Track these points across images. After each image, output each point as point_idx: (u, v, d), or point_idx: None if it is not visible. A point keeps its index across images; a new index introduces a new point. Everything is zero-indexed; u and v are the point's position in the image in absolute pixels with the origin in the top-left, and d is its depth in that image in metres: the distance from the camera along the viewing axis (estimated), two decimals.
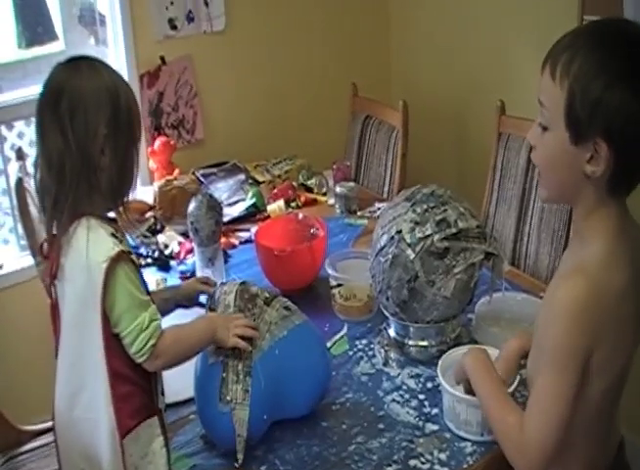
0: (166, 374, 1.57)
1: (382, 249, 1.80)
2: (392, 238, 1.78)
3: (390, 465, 1.57)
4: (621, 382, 1.38)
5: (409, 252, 1.75)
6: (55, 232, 1.46)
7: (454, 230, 1.74)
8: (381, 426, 1.68)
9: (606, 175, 1.25)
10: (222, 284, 1.73)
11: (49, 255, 1.47)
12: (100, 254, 1.40)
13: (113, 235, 1.45)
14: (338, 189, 2.73)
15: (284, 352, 1.63)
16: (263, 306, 1.65)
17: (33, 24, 3.03)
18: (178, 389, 1.68)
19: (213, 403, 1.56)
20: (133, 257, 1.46)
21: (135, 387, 1.48)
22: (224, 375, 1.57)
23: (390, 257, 1.78)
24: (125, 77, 2.77)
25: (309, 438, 1.65)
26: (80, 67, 1.47)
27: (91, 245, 1.41)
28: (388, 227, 1.80)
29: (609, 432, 1.43)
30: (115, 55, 2.87)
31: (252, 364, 1.58)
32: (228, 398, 1.56)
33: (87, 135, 1.42)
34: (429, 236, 1.74)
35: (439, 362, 1.70)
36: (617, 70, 1.21)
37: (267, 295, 1.68)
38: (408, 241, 1.75)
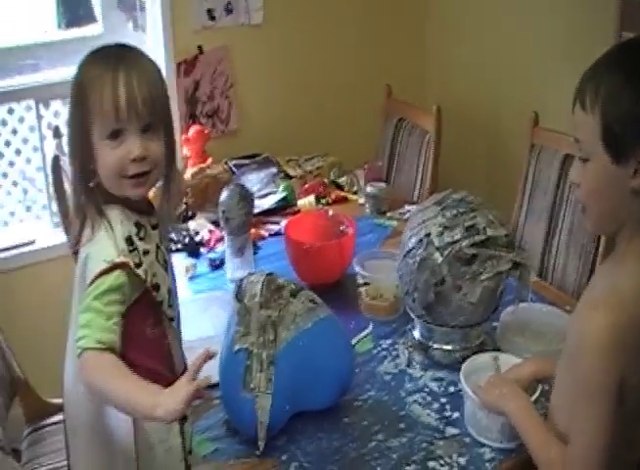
0: (190, 359, 1.58)
1: (410, 251, 1.81)
2: (421, 241, 1.79)
3: (409, 465, 1.58)
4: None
5: (437, 255, 1.76)
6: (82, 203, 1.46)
7: (483, 237, 1.74)
8: (401, 426, 1.69)
9: None
10: (250, 274, 1.74)
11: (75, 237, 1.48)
12: (106, 253, 1.38)
13: (128, 239, 1.42)
14: (368, 189, 2.74)
15: (308, 344, 1.64)
16: (289, 298, 1.66)
17: (74, 6, 3.05)
18: (203, 373, 1.69)
19: (237, 390, 1.58)
20: (138, 271, 1.40)
21: (154, 375, 1.42)
22: (249, 363, 1.59)
23: (418, 259, 1.78)
24: (162, 65, 2.85)
25: (330, 432, 1.67)
26: (90, 56, 1.45)
27: (104, 239, 1.40)
28: (417, 230, 1.81)
29: (628, 452, 1.41)
30: (153, 41, 2.89)
31: (277, 354, 1.60)
32: (252, 385, 1.58)
33: (88, 118, 1.40)
34: (457, 241, 1.74)
35: (462, 367, 1.70)
36: None
37: (293, 287, 1.69)
38: (436, 244, 1.76)
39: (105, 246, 1.39)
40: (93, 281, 1.35)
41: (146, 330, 1.45)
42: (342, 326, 1.78)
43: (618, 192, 1.28)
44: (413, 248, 1.80)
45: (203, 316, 2.01)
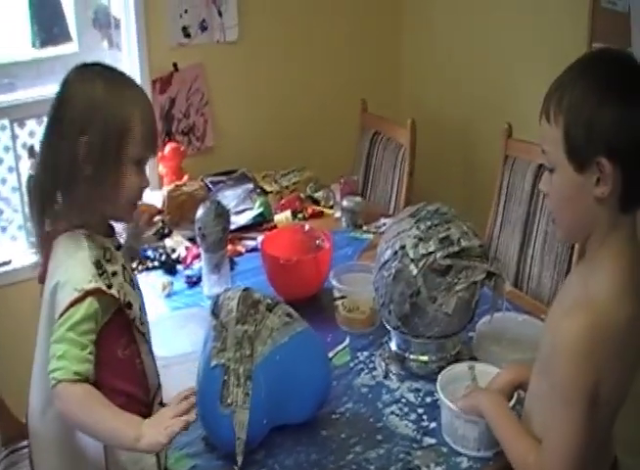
0: (168, 376, 1.59)
1: (385, 263, 1.83)
2: (396, 253, 1.81)
3: None
4: (619, 407, 1.40)
5: (412, 267, 1.77)
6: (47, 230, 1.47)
7: (457, 248, 1.76)
8: (379, 437, 1.70)
9: (616, 193, 1.27)
10: (226, 290, 1.75)
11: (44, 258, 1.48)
12: (76, 280, 1.38)
13: (97, 263, 1.42)
14: (344, 203, 2.76)
15: (285, 358, 1.65)
16: (265, 313, 1.67)
17: (48, 25, 3.05)
18: (180, 390, 1.70)
19: (214, 406, 1.58)
20: (111, 291, 1.41)
21: (129, 399, 1.46)
22: (225, 378, 1.59)
23: (394, 271, 1.80)
24: (138, 82, 2.84)
25: (309, 445, 1.67)
26: (86, 73, 1.47)
27: (73, 266, 1.40)
28: (392, 242, 1.83)
29: (604, 452, 1.45)
30: (129, 59, 2.91)
31: (254, 369, 1.61)
32: (229, 400, 1.58)
33: (72, 145, 1.41)
34: (432, 253, 1.76)
35: (439, 377, 1.72)
36: (603, 88, 1.25)
37: (270, 301, 1.70)
38: (411, 256, 1.78)
39: (74, 273, 1.39)
40: (65, 311, 1.35)
41: (117, 352, 1.46)
42: (319, 339, 1.79)
43: (585, 201, 1.30)
44: (388, 260, 1.82)
45: (180, 333, 2.01)
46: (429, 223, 1.80)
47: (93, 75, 1.46)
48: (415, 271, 1.77)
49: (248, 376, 1.59)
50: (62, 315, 1.35)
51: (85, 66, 1.50)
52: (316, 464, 1.62)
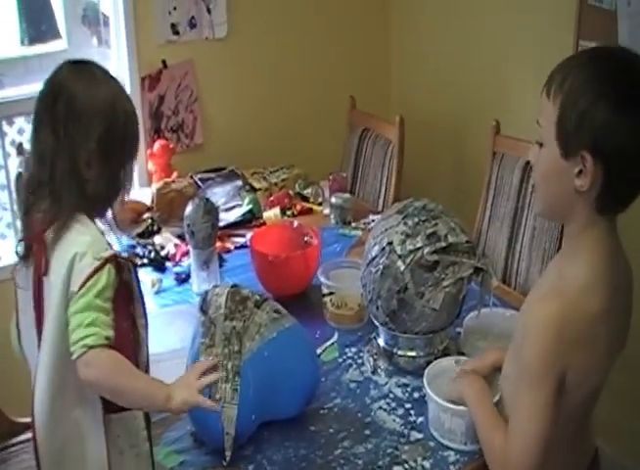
0: (157, 372, 1.59)
1: (373, 259, 1.84)
2: (384, 249, 1.82)
3: None
4: (595, 397, 1.43)
5: (399, 263, 1.78)
6: (39, 228, 1.47)
7: (444, 244, 1.78)
8: (367, 432, 1.72)
9: (594, 191, 1.28)
10: (214, 286, 1.76)
11: (35, 253, 1.47)
12: (94, 251, 1.41)
13: (102, 233, 1.49)
14: (333, 200, 2.77)
15: (273, 354, 1.66)
16: (254, 309, 1.68)
17: (37, 22, 3.06)
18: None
19: None
20: (122, 259, 1.46)
21: None
22: None
23: (381, 267, 1.81)
24: (127, 80, 2.86)
25: (297, 440, 1.68)
26: (85, 73, 1.49)
27: (85, 239, 1.42)
28: (379, 238, 1.84)
29: (582, 441, 1.47)
30: (117, 56, 2.90)
31: (242, 364, 1.62)
32: (217, 396, 1.59)
33: (76, 144, 1.44)
34: (419, 249, 1.77)
35: (426, 371, 1.73)
36: (605, 85, 1.26)
37: (258, 298, 1.71)
38: (399, 252, 1.79)
39: (92, 244, 1.42)
40: (87, 280, 1.37)
41: (122, 322, 1.47)
42: (308, 335, 1.80)
43: (564, 186, 1.31)
44: (376, 256, 1.83)
45: (169, 330, 2.03)
46: (416, 219, 1.81)
47: (94, 74, 1.49)
48: (402, 267, 1.78)
49: (236, 372, 1.60)
50: (83, 285, 1.37)
51: (78, 63, 1.52)
52: (304, 459, 1.63)
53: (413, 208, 1.85)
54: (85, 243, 1.42)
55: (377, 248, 1.83)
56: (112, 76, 1.54)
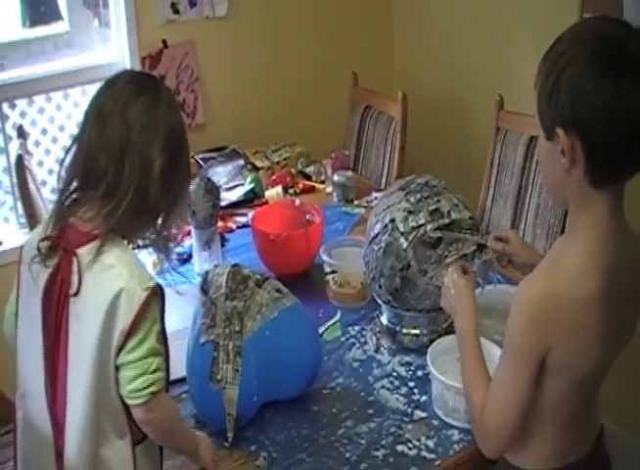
0: None
1: (375, 237, 1.82)
2: (386, 226, 1.80)
3: (378, 450, 1.60)
4: (592, 382, 1.39)
5: (402, 240, 1.77)
6: (74, 237, 1.39)
7: (447, 220, 1.76)
8: (370, 411, 1.71)
9: (580, 167, 1.24)
10: (215, 266, 1.75)
11: (62, 264, 1.38)
12: (141, 280, 1.37)
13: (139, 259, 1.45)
14: (335, 178, 2.75)
15: (274, 334, 1.65)
16: (255, 288, 1.67)
17: (38, 4, 3.02)
18: (171, 368, 1.70)
19: (204, 382, 1.59)
20: (164, 291, 1.43)
21: None
22: (215, 355, 1.59)
23: (384, 245, 1.80)
24: (127, 60, 2.84)
25: (299, 420, 1.68)
26: (157, 92, 1.44)
27: (131, 268, 1.37)
28: (381, 215, 1.82)
29: (580, 423, 1.44)
30: (118, 37, 2.88)
31: (243, 345, 1.61)
32: (219, 377, 1.58)
33: (147, 149, 1.38)
34: (421, 225, 1.76)
35: (429, 350, 1.72)
36: (573, 56, 1.21)
37: (259, 277, 1.70)
38: (401, 229, 1.77)
39: (132, 273, 1.37)
40: (139, 315, 1.34)
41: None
42: (309, 314, 1.79)
43: (555, 169, 1.29)
44: (378, 234, 1.81)
45: (170, 310, 1.99)
46: (418, 196, 1.79)
47: (166, 99, 1.45)
48: (405, 244, 1.76)
49: (237, 352, 1.59)
50: (136, 322, 1.34)
51: (148, 77, 1.51)
52: (307, 439, 1.63)
53: (415, 184, 1.83)
54: (129, 274, 1.36)
55: (379, 225, 1.81)
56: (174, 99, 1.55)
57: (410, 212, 1.77)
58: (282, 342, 1.65)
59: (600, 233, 1.29)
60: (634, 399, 2.60)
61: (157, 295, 1.38)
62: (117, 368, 1.36)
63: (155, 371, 1.36)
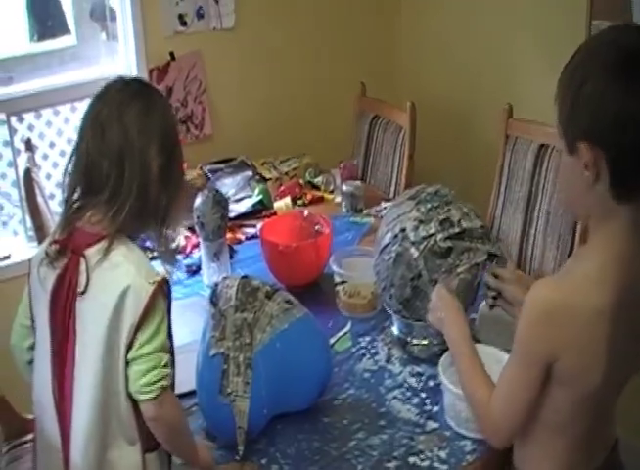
0: None
1: (385, 246, 1.81)
2: (396, 236, 1.79)
3: (390, 461, 1.58)
4: (603, 397, 1.36)
5: (413, 250, 1.76)
6: (81, 238, 1.42)
7: (457, 230, 1.75)
8: (382, 423, 1.69)
9: (604, 181, 1.23)
10: (225, 278, 1.74)
11: (69, 265, 1.40)
12: (148, 275, 1.38)
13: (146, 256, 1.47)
14: (344, 188, 2.74)
15: (285, 345, 1.63)
16: (265, 300, 1.66)
17: (45, 18, 3.05)
18: (180, 381, 1.69)
19: (214, 395, 1.58)
20: (171, 285, 1.46)
21: None
22: (225, 367, 1.58)
23: (394, 254, 1.78)
24: (134, 72, 2.84)
25: (310, 432, 1.66)
26: (150, 96, 1.49)
27: (138, 265, 1.40)
28: (392, 225, 1.81)
29: (592, 438, 1.42)
30: (125, 49, 2.89)
31: (253, 357, 1.59)
32: (229, 389, 1.57)
33: (145, 153, 1.42)
34: (432, 235, 1.74)
35: (441, 360, 1.70)
36: (590, 69, 1.21)
37: (269, 288, 1.68)
38: (412, 239, 1.76)
39: (139, 269, 1.39)
40: (147, 310, 1.36)
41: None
42: (319, 325, 1.77)
43: (577, 184, 1.27)
44: (388, 243, 1.80)
45: (179, 323, 1.97)
46: (429, 205, 1.78)
47: (153, 95, 1.50)
48: (416, 254, 1.75)
49: (247, 364, 1.58)
50: (146, 318, 1.36)
51: (138, 82, 1.53)
52: (318, 452, 1.61)
53: (425, 193, 1.82)
54: (135, 270, 1.38)
55: (389, 235, 1.80)
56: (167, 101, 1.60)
57: (421, 222, 1.76)
58: (292, 353, 1.63)
59: (618, 247, 1.28)
60: None
61: (163, 289, 1.41)
62: (128, 364, 1.37)
63: (165, 366, 1.38)
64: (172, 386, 1.43)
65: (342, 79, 3.37)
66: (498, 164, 2.74)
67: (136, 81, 1.53)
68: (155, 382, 1.36)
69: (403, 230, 1.78)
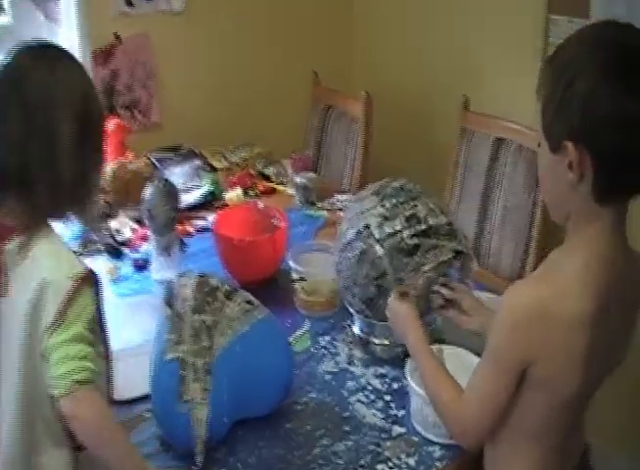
0: (116, 370, 1.46)
1: (348, 244, 1.73)
2: (360, 233, 1.71)
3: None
4: (579, 404, 1.34)
5: (377, 247, 1.68)
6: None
7: (424, 227, 1.68)
8: (346, 428, 1.61)
9: (588, 182, 1.18)
10: (180, 276, 1.62)
11: None
12: (69, 270, 1.28)
13: (70, 250, 1.37)
14: (297, 179, 2.66)
15: (246, 349, 1.53)
16: (225, 301, 1.55)
17: None
18: (133, 385, 1.59)
19: (171, 403, 1.46)
20: (99, 277, 1.34)
21: None
22: (183, 373, 1.46)
23: (358, 252, 1.70)
24: (77, 54, 2.67)
25: (272, 439, 1.57)
26: (55, 61, 1.35)
27: (57, 258, 1.30)
28: (355, 221, 1.73)
29: (566, 443, 1.39)
30: (67, 30, 2.72)
31: (213, 362, 1.49)
32: (187, 397, 1.45)
33: (51, 132, 1.30)
34: (398, 232, 1.67)
35: (407, 363, 1.63)
36: (583, 66, 1.15)
37: (228, 288, 1.58)
38: (377, 236, 1.68)
39: (58, 263, 1.29)
40: (66, 304, 1.25)
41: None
42: (280, 326, 1.68)
43: (559, 183, 1.22)
44: (351, 241, 1.72)
45: (129, 323, 1.87)
46: (394, 201, 1.70)
47: (64, 64, 1.36)
48: (381, 252, 1.67)
49: (207, 370, 1.47)
50: (63, 311, 1.25)
51: (39, 47, 1.38)
52: (281, 460, 1.52)
53: (390, 188, 1.74)
54: (54, 264, 1.28)
55: (352, 231, 1.72)
56: (76, 61, 1.40)
57: (386, 218, 1.68)
58: (254, 357, 1.53)
59: (599, 250, 1.23)
60: (618, 415, 2.54)
61: (87, 282, 1.29)
62: (44, 359, 1.26)
63: (81, 358, 1.25)
64: (110, 395, 1.34)
65: (295, 67, 3.27)
66: (454, 157, 2.69)
67: (42, 45, 1.39)
68: (66, 375, 1.23)
69: (367, 227, 1.70)
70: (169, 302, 1.54)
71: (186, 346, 1.47)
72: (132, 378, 1.57)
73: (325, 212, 2.57)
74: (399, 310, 1.61)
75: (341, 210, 2.54)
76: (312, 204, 2.63)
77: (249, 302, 1.57)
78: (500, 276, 2.47)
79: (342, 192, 2.74)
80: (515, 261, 2.51)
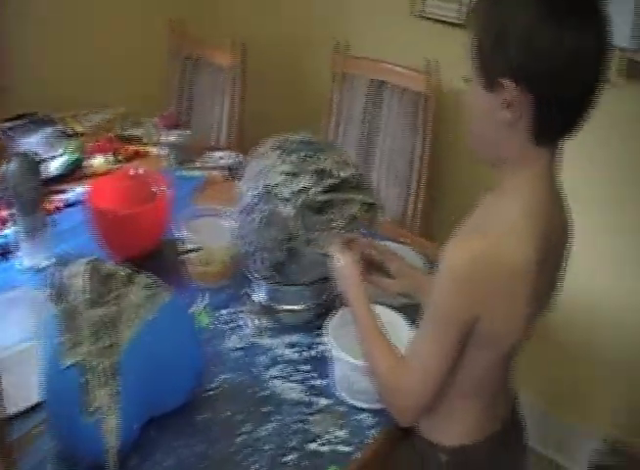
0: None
1: (250, 206, 1.56)
2: (263, 193, 1.54)
3: (287, 455, 1.37)
4: (514, 354, 1.31)
5: (285, 208, 1.52)
6: None
7: (336, 181, 1.54)
8: (266, 409, 1.47)
9: (525, 122, 1.12)
10: (61, 264, 1.36)
11: None
12: None
13: None
14: (166, 138, 2.44)
15: (154, 337, 1.33)
16: (127, 284, 1.34)
17: None
18: (21, 392, 1.37)
19: (73, 416, 1.24)
20: None
21: None
22: (85, 379, 1.24)
23: (262, 215, 1.54)
24: None
25: (189, 435, 1.39)
26: None
27: None
28: (255, 181, 1.56)
29: (501, 392, 1.38)
30: None
31: (120, 360, 1.27)
32: (93, 406, 1.24)
33: None
34: (306, 189, 1.52)
35: (329, 325, 1.49)
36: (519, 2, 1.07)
37: (125, 271, 1.36)
38: (284, 195, 1.52)
39: None
40: None
41: None
42: (185, 306, 1.51)
43: (492, 122, 1.15)
44: (254, 202, 1.55)
45: (3, 323, 1.60)
46: (298, 155, 1.54)
47: None
48: (289, 212, 1.52)
49: (114, 371, 1.26)
50: None
51: None
52: (203, 457, 1.35)
53: (291, 142, 1.58)
54: None
55: (253, 193, 1.55)
56: None
57: (292, 175, 1.52)
58: (162, 345, 1.33)
59: (538, 193, 1.17)
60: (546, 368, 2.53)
61: None
62: None
63: None
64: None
65: (152, 19, 3.00)
66: (328, 103, 2.57)
67: None
68: None
69: (272, 186, 1.54)
70: (58, 297, 1.30)
71: (85, 347, 1.25)
72: (17, 391, 1.35)
73: (198, 172, 2.38)
74: (341, 264, 1.46)
75: (221, 168, 2.36)
76: (185, 163, 2.42)
77: (150, 285, 1.36)
78: (390, 222, 2.39)
79: (217, 148, 2.54)
80: (401, 206, 2.45)
